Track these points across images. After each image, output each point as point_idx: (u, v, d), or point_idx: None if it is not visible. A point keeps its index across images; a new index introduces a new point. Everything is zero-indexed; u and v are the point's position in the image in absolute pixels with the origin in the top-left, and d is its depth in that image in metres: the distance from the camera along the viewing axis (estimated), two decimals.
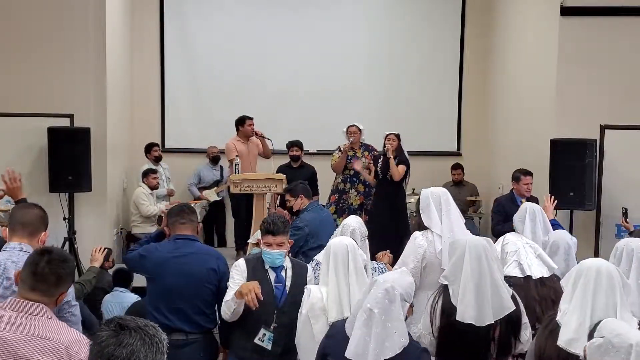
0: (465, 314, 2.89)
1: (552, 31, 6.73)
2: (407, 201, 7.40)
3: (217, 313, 3.78)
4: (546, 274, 3.53)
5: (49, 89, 6.74)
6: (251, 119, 7.72)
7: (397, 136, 7.00)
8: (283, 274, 3.53)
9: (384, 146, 7.01)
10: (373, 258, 4.27)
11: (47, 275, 2.57)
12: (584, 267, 2.63)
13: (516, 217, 4.49)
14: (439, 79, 9.27)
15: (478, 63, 9.19)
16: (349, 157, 7.47)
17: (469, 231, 4.19)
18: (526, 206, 4.50)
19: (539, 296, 3.35)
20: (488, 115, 9.10)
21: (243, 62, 9.07)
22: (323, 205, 6.86)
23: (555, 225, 4.86)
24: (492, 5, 9.00)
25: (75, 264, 2.82)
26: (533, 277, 3.48)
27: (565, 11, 6.54)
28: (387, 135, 7.08)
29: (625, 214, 6.21)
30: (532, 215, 4.38)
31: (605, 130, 6.41)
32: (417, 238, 4.06)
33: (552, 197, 5.29)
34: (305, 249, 4.96)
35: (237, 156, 7.53)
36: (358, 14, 9.23)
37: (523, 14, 7.86)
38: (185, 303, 3.67)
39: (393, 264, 4.29)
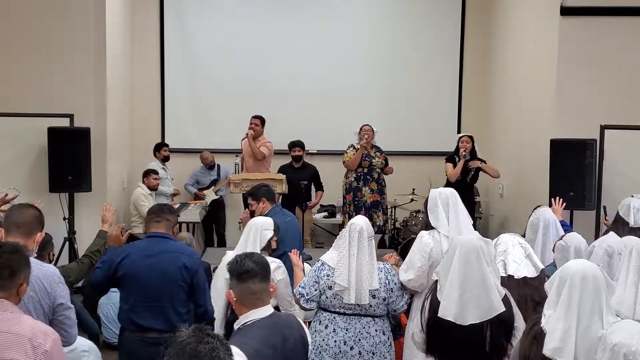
0: (447, 311, 2.88)
1: (552, 31, 6.72)
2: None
3: (191, 313, 3.76)
4: (532, 274, 3.50)
5: (49, 89, 6.75)
6: (255, 117, 7.78)
7: (471, 138, 7.44)
8: None
9: (458, 149, 7.39)
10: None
11: (0, 269, 2.57)
12: (568, 271, 2.59)
13: (529, 225, 4.47)
14: (439, 79, 9.27)
15: (478, 63, 9.19)
16: (363, 156, 7.50)
17: (477, 232, 4.18)
18: (539, 217, 4.44)
19: (519, 296, 3.31)
20: (488, 115, 9.10)
21: (243, 62, 9.07)
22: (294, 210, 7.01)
23: (565, 226, 4.85)
24: (492, 5, 9.00)
25: (27, 252, 2.80)
26: (515, 277, 3.45)
27: (565, 11, 6.53)
28: (461, 138, 7.46)
29: (604, 212, 6.25)
30: (546, 229, 4.36)
31: (605, 130, 6.41)
32: (423, 237, 4.05)
33: (560, 199, 5.27)
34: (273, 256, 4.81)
35: (237, 155, 7.60)
36: (358, 14, 9.22)
37: (523, 14, 7.85)
38: (160, 302, 3.65)
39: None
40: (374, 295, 3.86)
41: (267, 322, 2.73)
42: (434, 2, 9.25)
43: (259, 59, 9.07)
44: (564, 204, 5.26)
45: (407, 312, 4.18)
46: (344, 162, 7.54)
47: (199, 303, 3.77)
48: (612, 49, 6.55)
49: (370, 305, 3.86)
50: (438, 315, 2.88)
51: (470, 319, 2.81)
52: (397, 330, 4.30)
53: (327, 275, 3.88)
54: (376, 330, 3.90)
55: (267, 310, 2.78)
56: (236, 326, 2.77)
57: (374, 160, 7.49)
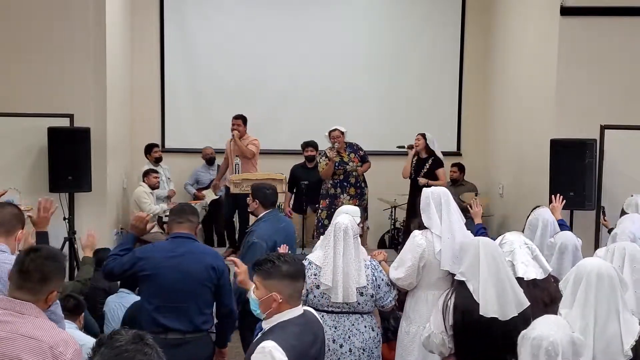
0: (488, 310, 2.93)
1: (552, 31, 6.72)
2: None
3: (214, 313, 3.79)
4: (540, 276, 3.50)
5: (49, 89, 6.75)
6: (236, 117, 7.63)
7: (423, 135, 7.38)
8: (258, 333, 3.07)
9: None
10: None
11: (32, 272, 2.53)
12: (583, 270, 2.59)
13: (528, 224, 4.48)
14: (439, 79, 9.27)
15: (478, 63, 9.19)
16: (337, 164, 7.43)
17: (469, 232, 4.18)
18: (538, 217, 4.46)
19: (530, 297, 3.32)
20: (488, 115, 9.10)
21: (243, 62, 9.08)
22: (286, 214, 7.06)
23: (563, 225, 4.85)
24: (492, 5, 8.99)
25: (65, 261, 2.76)
26: (525, 279, 3.46)
27: (565, 11, 6.53)
28: (416, 135, 7.45)
29: (603, 212, 6.27)
30: (544, 230, 4.38)
31: (605, 130, 6.41)
32: (416, 237, 4.06)
33: (561, 197, 5.27)
34: None
35: (237, 156, 7.57)
36: (358, 14, 9.22)
37: (523, 14, 7.85)
38: (184, 302, 3.65)
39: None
40: (362, 293, 3.88)
41: (299, 321, 2.80)
42: (434, 2, 9.25)
43: (259, 59, 9.07)
44: (564, 201, 5.26)
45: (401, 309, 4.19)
46: (320, 173, 7.51)
47: (225, 303, 3.80)
48: (612, 49, 6.55)
49: (359, 303, 3.88)
50: (480, 313, 2.93)
51: (510, 312, 2.92)
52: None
53: (315, 275, 3.89)
54: (365, 327, 3.93)
55: (299, 310, 2.83)
56: (268, 325, 2.76)
57: (347, 167, 7.44)
